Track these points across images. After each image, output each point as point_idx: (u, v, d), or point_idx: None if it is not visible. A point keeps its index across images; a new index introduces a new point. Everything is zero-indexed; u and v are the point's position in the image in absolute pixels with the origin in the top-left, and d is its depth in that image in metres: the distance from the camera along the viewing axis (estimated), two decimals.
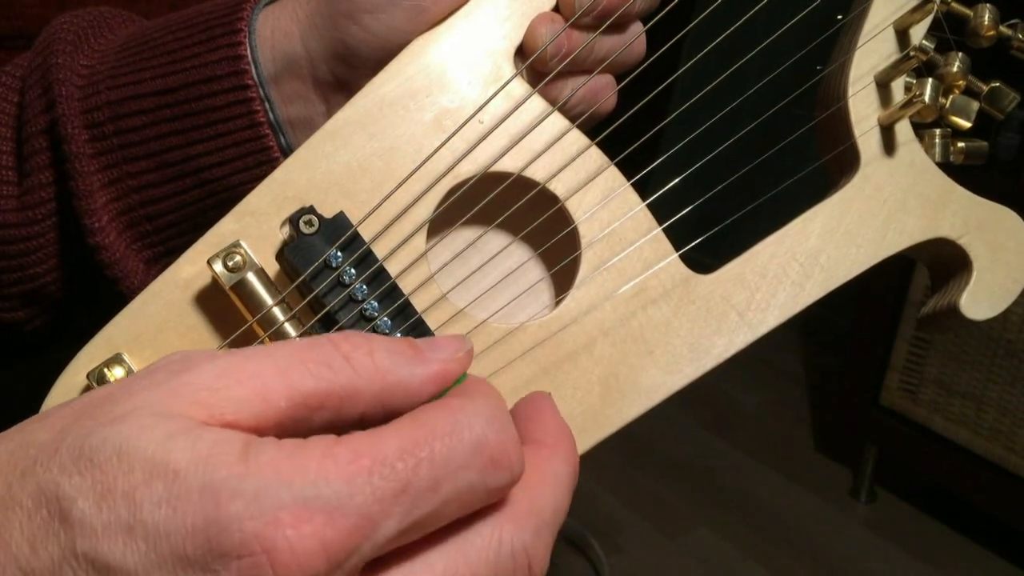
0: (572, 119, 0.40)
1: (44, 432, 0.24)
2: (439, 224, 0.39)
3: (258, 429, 0.25)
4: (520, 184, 0.40)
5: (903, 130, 0.40)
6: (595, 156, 0.40)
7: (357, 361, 0.26)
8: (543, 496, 0.28)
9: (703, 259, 0.41)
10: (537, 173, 0.40)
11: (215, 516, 0.22)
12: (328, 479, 0.23)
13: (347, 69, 0.41)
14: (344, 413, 0.26)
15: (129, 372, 0.37)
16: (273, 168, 0.39)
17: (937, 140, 0.41)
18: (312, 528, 0.22)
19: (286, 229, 0.38)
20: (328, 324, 0.37)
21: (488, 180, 0.39)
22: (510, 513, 0.26)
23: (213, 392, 0.25)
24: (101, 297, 0.44)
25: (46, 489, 0.23)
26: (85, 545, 0.22)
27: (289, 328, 0.36)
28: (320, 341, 0.27)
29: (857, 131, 0.40)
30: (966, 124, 0.40)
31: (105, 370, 0.36)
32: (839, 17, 0.41)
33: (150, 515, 0.22)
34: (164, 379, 0.25)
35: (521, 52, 0.40)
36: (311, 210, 0.37)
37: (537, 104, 0.40)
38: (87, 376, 0.36)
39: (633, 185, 0.40)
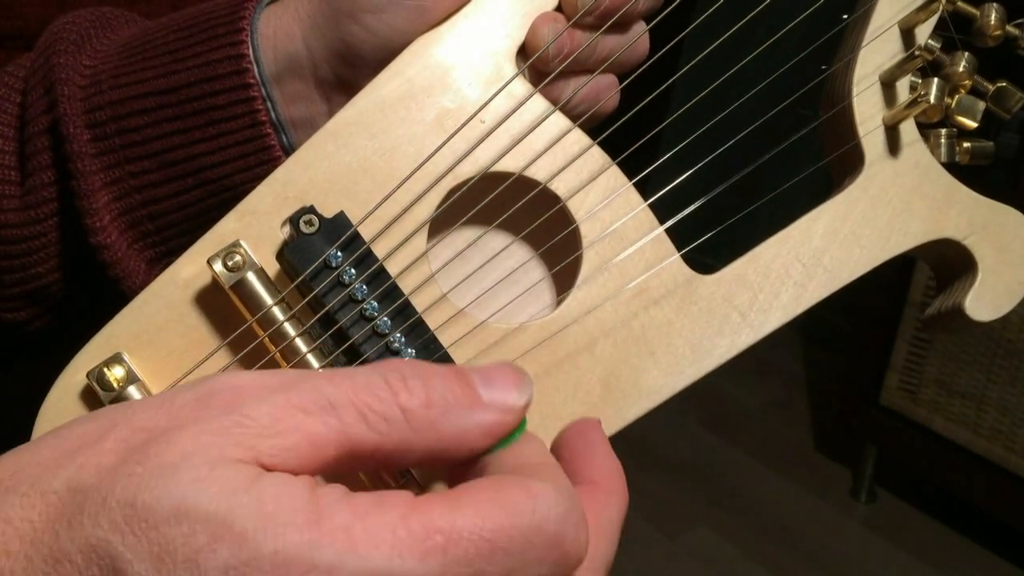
0: (574, 119, 0.40)
1: (89, 475, 0.23)
2: (440, 224, 0.39)
3: (303, 474, 0.24)
4: (521, 184, 0.39)
5: (908, 130, 0.40)
6: (597, 156, 0.40)
7: (414, 415, 0.25)
8: (600, 549, 0.27)
9: (705, 259, 0.40)
10: (538, 173, 0.39)
11: None
12: (402, 555, 0.22)
13: (349, 69, 0.41)
14: (394, 464, 0.26)
15: (129, 372, 0.37)
16: (274, 168, 0.39)
17: (942, 140, 0.40)
18: None
19: (286, 229, 0.38)
20: (328, 324, 0.37)
21: (489, 180, 0.39)
22: None
23: (264, 438, 0.24)
24: (103, 297, 0.44)
25: (97, 547, 0.22)
26: None
27: (289, 328, 0.36)
28: (378, 385, 0.25)
29: (862, 131, 0.40)
30: (972, 124, 0.40)
31: (105, 370, 0.36)
32: (844, 16, 0.41)
33: None
34: (212, 415, 0.24)
35: (523, 52, 0.40)
36: (311, 210, 0.37)
37: (539, 104, 0.40)
38: (87, 375, 0.36)
39: (635, 185, 0.40)
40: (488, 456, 0.27)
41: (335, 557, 0.22)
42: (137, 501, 0.22)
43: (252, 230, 0.38)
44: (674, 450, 2.04)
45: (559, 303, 0.39)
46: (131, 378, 0.36)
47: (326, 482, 0.24)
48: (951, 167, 0.41)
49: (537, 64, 0.40)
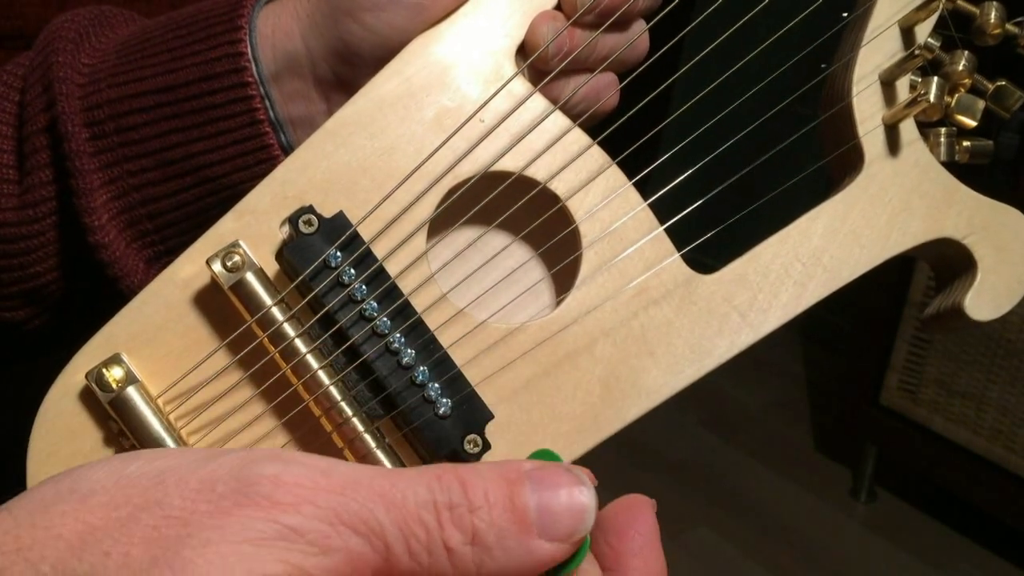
0: (573, 118, 0.40)
1: (117, 567, 0.21)
2: (439, 224, 0.39)
3: None
4: (521, 184, 0.39)
5: (908, 129, 0.40)
6: (596, 155, 0.40)
7: (455, 554, 0.24)
8: None
9: (705, 259, 0.40)
10: (538, 172, 0.39)
11: None
12: None
13: (348, 67, 0.41)
14: None
15: (128, 373, 0.36)
16: (273, 166, 0.39)
17: (942, 139, 0.40)
18: None
19: (285, 229, 0.38)
20: (327, 325, 0.37)
21: (489, 179, 0.39)
22: None
23: (308, 556, 0.22)
24: (102, 296, 0.44)
25: None
26: None
27: (288, 328, 0.36)
28: (427, 515, 0.24)
29: (861, 130, 0.40)
30: (971, 123, 0.40)
31: (103, 370, 0.36)
32: (844, 15, 0.41)
33: None
34: (254, 517, 0.22)
35: (522, 51, 0.40)
36: (310, 210, 0.37)
37: (538, 103, 0.40)
38: (86, 376, 0.36)
39: (635, 184, 0.40)
40: None
41: None
42: None
43: (251, 230, 0.38)
44: (674, 450, 2.03)
45: (559, 303, 0.39)
46: (130, 379, 0.36)
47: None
48: (950, 166, 0.41)
49: (537, 63, 0.40)
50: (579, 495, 0.25)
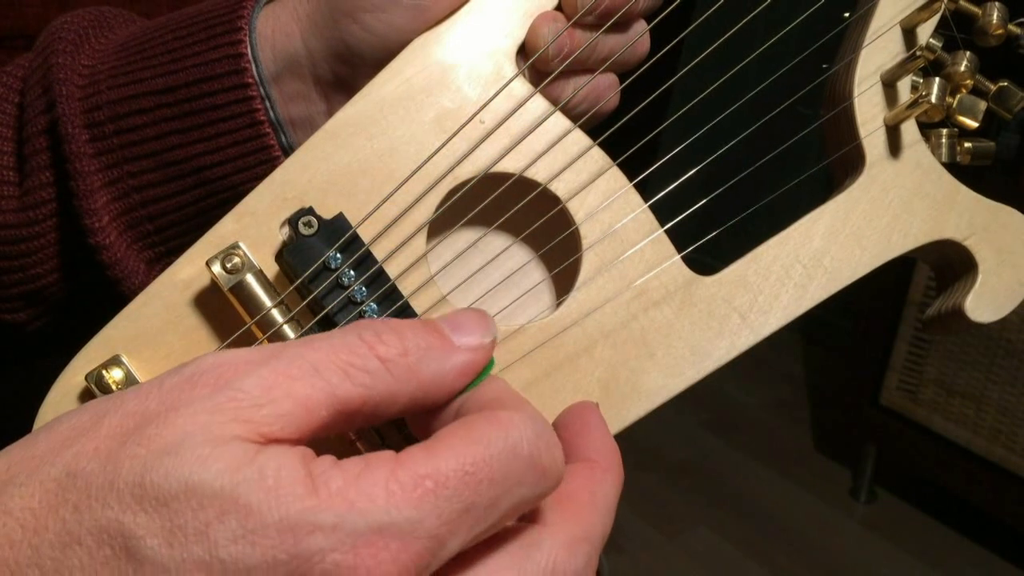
0: (574, 119, 0.40)
1: (88, 460, 0.24)
2: (439, 225, 0.39)
3: (301, 440, 0.25)
4: (521, 185, 0.39)
5: (909, 130, 0.40)
6: (597, 157, 0.40)
7: (393, 364, 0.27)
8: (595, 522, 0.28)
9: (705, 261, 0.40)
10: (538, 174, 0.39)
11: (296, 550, 0.23)
12: (398, 506, 0.24)
13: (348, 68, 0.41)
14: (380, 415, 0.27)
15: (128, 375, 0.36)
16: (274, 167, 0.39)
17: (944, 140, 0.40)
18: (389, 554, 0.23)
19: (285, 230, 0.38)
20: (327, 326, 0.37)
21: (489, 181, 0.39)
22: (563, 540, 0.27)
23: (258, 408, 0.25)
24: (103, 298, 0.44)
25: (108, 527, 0.23)
26: None
27: (288, 330, 0.36)
28: (354, 343, 0.27)
29: (863, 131, 0.40)
30: (973, 124, 0.40)
31: (103, 372, 0.36)
32: (845, 15, 0.41)
33: (227, 551, 0.23)
34: (204, 394, 0.25)
35: (523, 51, 0.40)
36: (310, 211, 0.37)
37: (539, 104, 0.39)
38: (85, 378, 0.36)
39: (635, 186, 0.40)
40: (461, 398, 0.29)
41: (336, 518, 0.23)
42: (145, 480, 0.23)
43: (251, 231, 0.38)
44: (674, 450, 2.03)
45: (559, 305, 0.39)
46: (130, 380, 0.36)
47: (322, 447, 0.26)
48: (951, 167, 0.41)
49: (537, 64, 0.40)
50: (479, 312, 0.30)
